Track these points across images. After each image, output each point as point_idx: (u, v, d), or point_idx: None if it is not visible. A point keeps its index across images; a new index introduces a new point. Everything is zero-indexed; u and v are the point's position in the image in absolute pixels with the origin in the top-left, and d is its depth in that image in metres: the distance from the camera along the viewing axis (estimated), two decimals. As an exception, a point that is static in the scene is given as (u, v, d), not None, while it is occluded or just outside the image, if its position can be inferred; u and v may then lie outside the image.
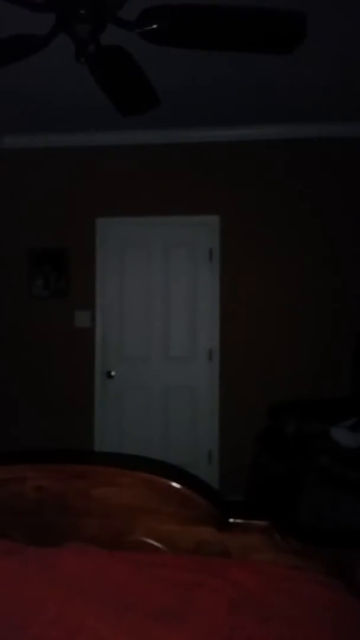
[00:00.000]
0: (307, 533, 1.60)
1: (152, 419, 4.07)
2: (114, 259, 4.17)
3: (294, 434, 2.95)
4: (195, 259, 4.09)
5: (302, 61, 2.87)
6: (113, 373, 4.10)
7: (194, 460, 3.81)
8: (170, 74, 3.05)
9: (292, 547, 1.50)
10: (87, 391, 4.13)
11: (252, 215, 4.06)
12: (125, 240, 4.18)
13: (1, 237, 4.27)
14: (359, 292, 3.93)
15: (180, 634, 1.15)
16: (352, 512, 2.51)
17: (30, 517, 1.65)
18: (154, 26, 1.79)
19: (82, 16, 1.77)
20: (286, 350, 3.98)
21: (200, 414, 4.04)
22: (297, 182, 4.03)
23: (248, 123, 3.94)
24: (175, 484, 1.56)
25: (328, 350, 3.93)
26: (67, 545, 1.53)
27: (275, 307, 4.01)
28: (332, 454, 2.76)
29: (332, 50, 2.92)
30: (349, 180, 3.99)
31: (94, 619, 1.19)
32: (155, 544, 1.59)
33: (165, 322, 4.10)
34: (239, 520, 1.52)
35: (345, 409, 3.23)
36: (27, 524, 1.65)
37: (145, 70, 2.13)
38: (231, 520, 1.51)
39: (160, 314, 4.11)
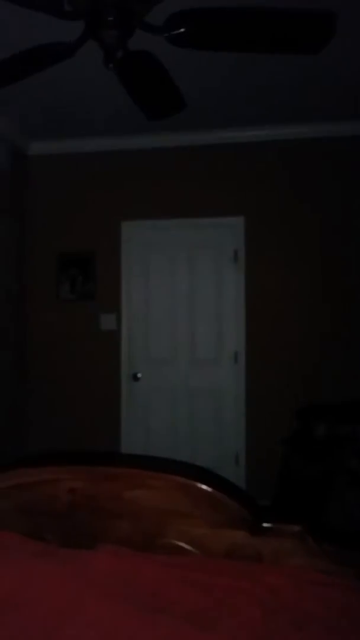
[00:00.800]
0: (340, 537, 1.58)
1: (178, 422, 4.07)
2: (139, 262, 4.19)
3: (323, 436, 2.93)
4: (220, 261, 4.08)
5: (329, 60, 2.84)
6: (139, 375, 4.12)
7: (220, 463, 3.80)
8: (192, 76, 3.05)
9: (325, 551, 1.49)
10: (113, 393, 4.15)
11: (277, 216, 4.04)
12: (150, 243, 4.20)
13: (31, 243, 4.33)
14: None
15: (216, 639, 1.15)
16: (384, 516, 2.48)
17: (63, 519, 1.66)
18: (181, 30, 1.80)
19: (110, 22, 1.79)
20: (312, 351, 3.95)
21: (226, 416, 4.03)
22: (323, 182, 3.99)
23: (273, 123, 3.93)
24: (207, 487, 1.56)
25: (355, 351, 3.89)
26: (100, 547, 1.54)
27: (301, 307, 3.98)
28: (362, 456, 2.73)
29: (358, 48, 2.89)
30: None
31: (131, 622, 1.19)
32: (187, 547, 1.59)
33: (191, 324, 4.11)
34: (272, 524, 1.51)
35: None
36: (60, 525, 1.67)
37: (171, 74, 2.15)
38: (264, 524, 1.50)
39: (185, 316, 4.12)
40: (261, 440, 3.91)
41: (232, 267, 4.06)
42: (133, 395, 4.14)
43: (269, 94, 3.47)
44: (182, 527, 1.60)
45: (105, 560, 1.46)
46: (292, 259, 4.02)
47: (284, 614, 1.23)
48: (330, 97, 3.51)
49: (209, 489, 1.56)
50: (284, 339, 3.98)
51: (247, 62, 2.87)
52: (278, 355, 3.98)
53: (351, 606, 1.31)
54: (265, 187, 4.05)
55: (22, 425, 4.18)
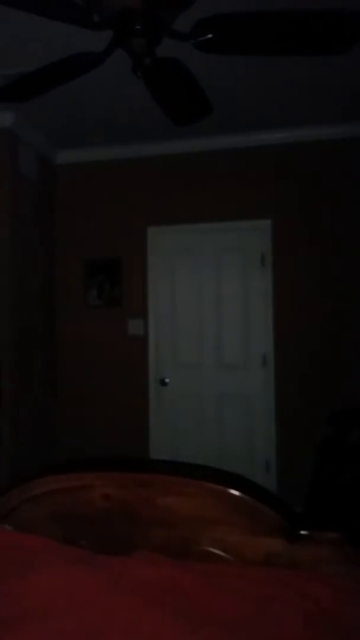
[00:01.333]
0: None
1: (206, 427, 4.05)
2: (166, 267, 4.20)
3: (356, 441, 2.88)
4: (247, 264, 4.07)
5: (353, 60, 2.82)
6: (167, 380, 4.12)
7: (250, 470, 3.76)
8: (215, 79, 3.05)
9: (364, 559, 1.46)
10: (141, 398, 4.16)
11: (305, 218, 4.00)
12: (176, 248, 4.21)
13: (60, 250, 4.38)
14: None
15: (257, 648, 1.13)
16: None
17: (97, 525, 1.67)
18: (209, 36, 1.80)
19: (138, 31, 1.80)
20: (343, 355, 3.89)
21: (256, 422, 4.00)
22: (350, 184, 3.95)
23: (298, 125, 3.90)
24: (242, 495, 1.55)
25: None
26: (136, 554, 1.54)
27: (330, 310, 3.93)
28: None
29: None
30: None
31: (170, 631, 1.19)
32: (223, 554, 1.57)
33: (218, 329, 4.09)
34: (309, 532, 1.49)
35: None
36: (95, 532, 1.67)
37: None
38: (302, 532, 1.48)
39: (212, 320, 4.11)
40: (292, 446, 3.87)
41: (259, 270, 4.04)
42: (161, 400, 4.14)
43: (294, 96, 3.46)
44: (218, 534, 1.59)
45: (142, 567, 1.45)
46: (320, 261, 3.97)
47: (326, 623, 1.21)
48: (356, 98, 3.48)
49: (245, 496, 1.55)
50: (313, 342, 3.94)
51: (271, 64, 2.86)
52: (308, 358, 3.94)
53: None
54: (291, 189, 4.03)
55: (51, 430, 4.22)
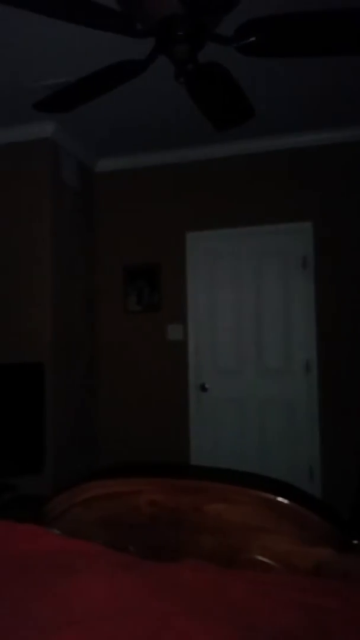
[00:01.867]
0: None
1: (247, 433, 4.01)
2: (205, 272, 4.19)
3: None
4: (288, 268, 4.02)
5: None
6: (207, 386, 4.10)
7: (294, 477, 3.68)
8: (253, 81, 3.04)
9: None
10: (181, 404, 4.16)
11: (347, 220, 3.93)
12: (215, 253, 4.20)
13: (100, 256, 4.43)
14: None
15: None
16: None
17: (145, 531, 1.66)
18: (252, 39, 1.79)
19: (181, 37, 1.81)
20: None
21: (299, 429, 3.93)
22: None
23: (341, 126, 3.84)
24: (291, 503, 1.52)
25: None
26: (184, 561, 1.53)
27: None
28: None
29: None
30: None
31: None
32: (272, 563, 1.55)
33: (259, 334, 4.06)
34: (361, 542, 1.45)
35: None
36: (142, 537, 1.67)
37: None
38: (354, 541, 1.45)
39: (252, 325, 4.07)
40: (337, 453, 3.79)
41: (300, 274, 3.98)
42: (201, 406, 4.13)
43: (337, 96, 3.41)
44: (266, 543, 1.56)
45: (191, 575, 1.44)
46: (363, 264, 3.90)
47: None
48: None
49: (295, 505, 1.52)
50: (358, 347, 3.85)
51: (311, 65, 2.83)
52: (352, 363, 3.86)
53: None
54: (333, 190, 3.97)
55: (91, 434, 4.26)
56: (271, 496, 1.54)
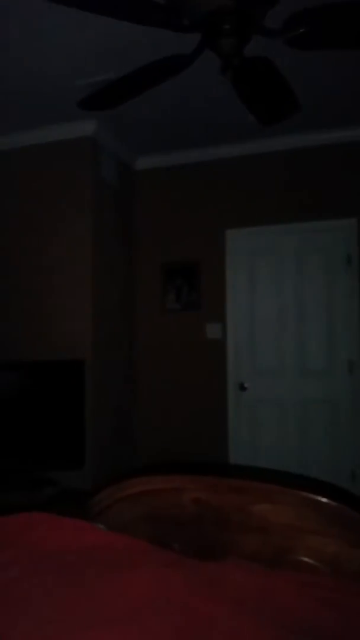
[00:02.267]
0: None
1: (288, 434, 3.95)
2: (245, 270, 4.15)
3: None
4: (331, 266, 3.94)
5: None
6: (246, 385, 4.06)
7: (335, 479, 3.60)
8: (299, 75, 2.98)
9: None
10: (220, 403, 4.13)
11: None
12: (255, 250, 4.15)
13: (138, 254, 4.45)
14: None
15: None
16: None
17: (188, 529, 1.65)
18: (302, 30, 1.76)
19: (227, 31, 1.79)
20: None
21: (342, 431, 3.84)
22: None
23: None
24: (339, 505, 1.48)
25: None
26: (228, 560, 1.51)
27: None
28: None
29: None
30: None
31: (271, 641, 1.15)
32: (319, 565, 1.52)
33: (299, 333, 3.99)
34: None
35: None
36: (185, 535, 1.66)
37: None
38: None
39: (293, 324, 4.01)
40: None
41: (344, 271, 3.90)
42: (240, 405, 4.09)
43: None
44: (312, 544, 1.53)
45: (236, 574, 1.42)
46: None
47: None
48: None
49: (341, 506, 1.49)
50: None
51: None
52: None
53: None
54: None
55: (130, 432, 4.28)
56: (318, 497, 1.51)
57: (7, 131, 3.84)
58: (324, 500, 1.51)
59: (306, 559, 1.54)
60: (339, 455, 3.83)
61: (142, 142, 4.12)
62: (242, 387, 4.07)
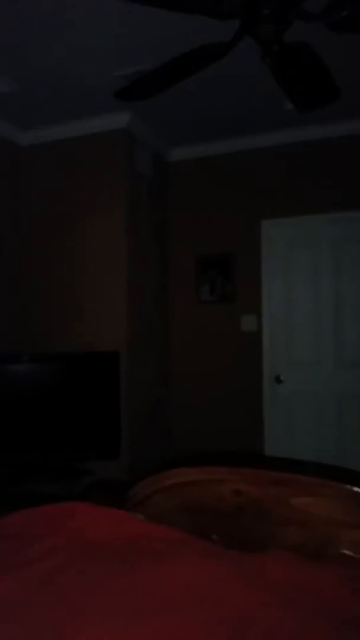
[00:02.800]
0: None
1: (324, 427, 3.89)
2: (281, 261, 4.10)
3: None
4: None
5: None
6: (282, 378, 4.02)
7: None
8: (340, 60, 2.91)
9: None
10: (255, 395, 4.10)
11: None
12: (291, 241, 4.09)
13: (173, 246, 4.45)
14: None
15: None
16: None
17: (228, 520, 1.65)
18: (344, 14, 1.71)
19: (266, 16, 1.76)
20: None
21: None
22: None
23: None
24: (384, 498, 1.46)
25: None
26: (269, 552, 1.50)
27: None
28: None
29: None
30: None
31: (315, 633, 1.14)
32: (361, 559, 1.49)
33: (337, 325, 3.92)
34: None
35: None
36: (225, 526, 1.66)
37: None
38: None
39: (330, 316, 3.94)
40: None
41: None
42: (276, 398, 4.05)
43: None
44: (355, 537, 1.51)
45: (278, 566, 1.41)
46: None
47: None
48: None
49: (386, 500, 1.46)
50: None
51: None
52: None
53: None
54: None
55: (165, 424, 4.30)
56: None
57: (43, 124, 3.87)
58: (367, 493, 1.48)
59: (348, 552, 1.52)
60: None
61: (176, 133, 4.10)
62: (278, 380, 4.03)
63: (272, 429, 4.03)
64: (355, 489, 1.48)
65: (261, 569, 1.41)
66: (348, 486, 1.50)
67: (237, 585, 1.38)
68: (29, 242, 4.02)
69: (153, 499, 1.72)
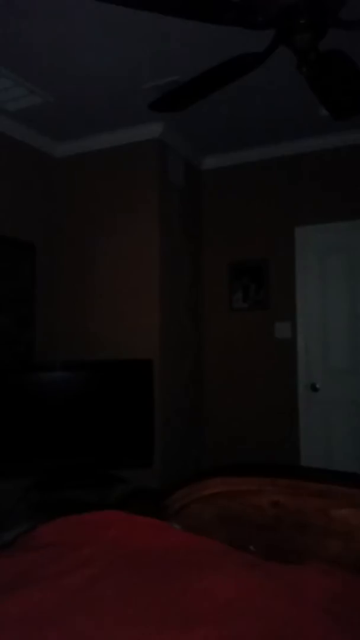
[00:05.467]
0: None
1: (362, 436, 3.82)
2: (315, 268, 4.06)
3: None
4: None
5: None
6: (318, 386, 3.97)
7: None
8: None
9: None
10: (290, 404, 4.06)
11: None
12: (326, 247, 4.04)
13: (205, 253, 4.45)
14: None
15: None
16: None
17: (266, 531, 1.64)
18: (381, 20, 1.70)
19: (302, 26, 1.76)
20: None
21: None
22: None
23: None
24: None
25: None
26: (308, 564, 1.48)
27: None
28: None
29: None
30: None
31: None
32: None
33: (374, 332, 3.86)
34: None
35: None
36: (262, 537, 1.65)
37: None
38: None
39: (368, 323, 3.88)
40: None
41: None
42: (312, 407, 3.99)
43: None
44: None
45: (318, 578, 1.40)
46: None
47: None
48: None
49: None
50: None
51: None
52: None
53: None
54: None
55: (198, 432, 4.29)
56: None
57: (76, 136, 3.94)
58: None
59: (391, 567, 1.49)
60: None
61: (208, 142, 4.11)
62: (313, 388, 3.98)
63: (309, 438, 3.97)
64: None
65: (302, 581, 1.40)
66: (391, 498, 1.47)
67: (278, 597, 1.36)
68: (62, 252, 4.08)
69: (190, 508, 1.72)
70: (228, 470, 1.77)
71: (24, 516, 3.53)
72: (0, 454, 3.24)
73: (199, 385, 4.35)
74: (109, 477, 3.38)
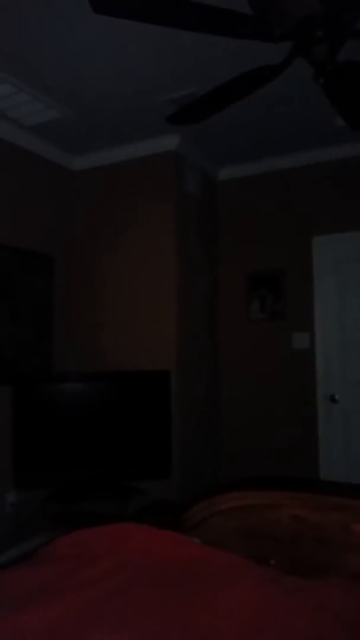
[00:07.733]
0: None
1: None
2: (333, 278, 4.02)
3: None
4: None
5: None
6: (337, 397, 3.92)
7: None
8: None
9: None
10: (309, 415, 4.02)
11: None
12: (344, 257, 4.01)
13: (222, 264, 4.45)
14: None
15: None
16: None
17: (286, 545, 1.62)
18: None
19: (319, 38, 1.76)
20: None
21: None
22: None
23: None
24: None
25: None
26: (329, 579, 1.46)
27: None
28: None
29: None
30: None
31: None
32: None
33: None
34: None
35: None
36: (282, 552, 1.63)
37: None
38: None
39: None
40: None
41: None
42: (331, 418, 3.95)
43: None
44: None
45: (339, 594, 1.37)
46: None
47: None
48: None
49: None
50: None
51: None
52: None
53: None
54: None
55: (215, 444, 4.26)
56: None
57: (93, 149, 3.98)
58: None
59: None
60: None
61: (224, 152, 4.12)
62: (332, 399, 3.93)
63: (328, 450, 3.92)
64: None
65: (322, 597, 1.38)
66: None
67: (299, 613, 1.34)
68: (81, 263, 4.12)
69: (209, 522, 1.71)
70: (247, 484, 1.75)
71: (43, 527, 3.54)
72: (19, 465, 3.26)
73: (216, 396, 4.34)
74: (127, 489, 3.38)
